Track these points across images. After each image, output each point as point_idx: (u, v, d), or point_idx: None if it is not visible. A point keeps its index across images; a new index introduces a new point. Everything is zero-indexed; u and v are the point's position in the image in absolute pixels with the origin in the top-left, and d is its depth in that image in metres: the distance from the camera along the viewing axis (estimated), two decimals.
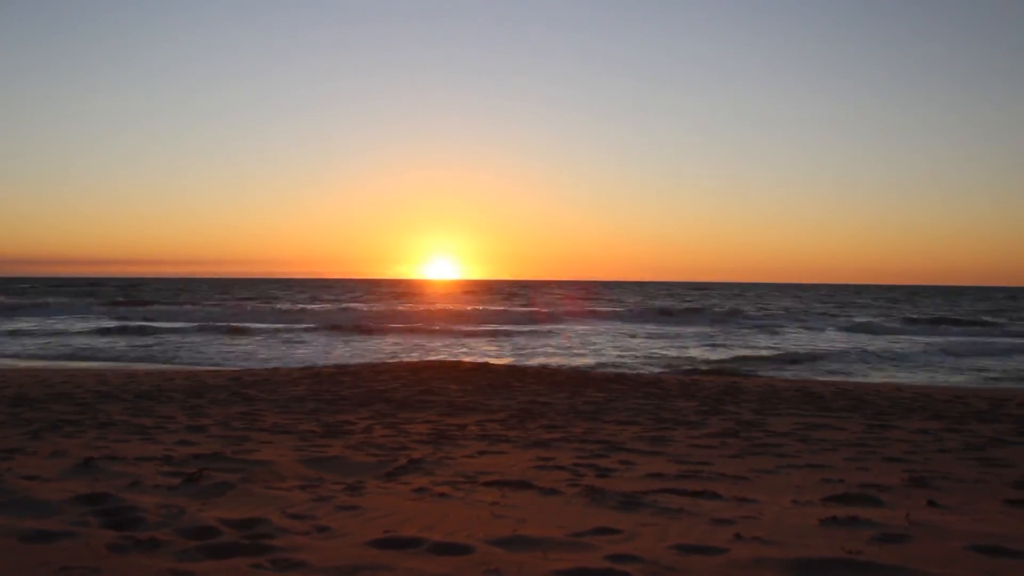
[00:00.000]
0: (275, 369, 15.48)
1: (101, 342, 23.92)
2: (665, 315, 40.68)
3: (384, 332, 28.62)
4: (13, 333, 26.26)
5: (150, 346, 22.68)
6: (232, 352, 21.32)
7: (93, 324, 31.37)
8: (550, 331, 30.23)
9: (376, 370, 14.21)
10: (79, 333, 26.97)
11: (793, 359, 21.02)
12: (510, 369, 15.09)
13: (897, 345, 25.61)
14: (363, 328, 30.05)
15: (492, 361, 18.03)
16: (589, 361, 19.81)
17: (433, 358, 18.64)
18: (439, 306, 43.28)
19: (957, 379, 16.98)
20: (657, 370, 17.56)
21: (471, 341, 25.56)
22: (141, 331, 27.44)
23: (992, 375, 17.95)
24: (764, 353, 22.85)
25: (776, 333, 31.53)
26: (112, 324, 30.87)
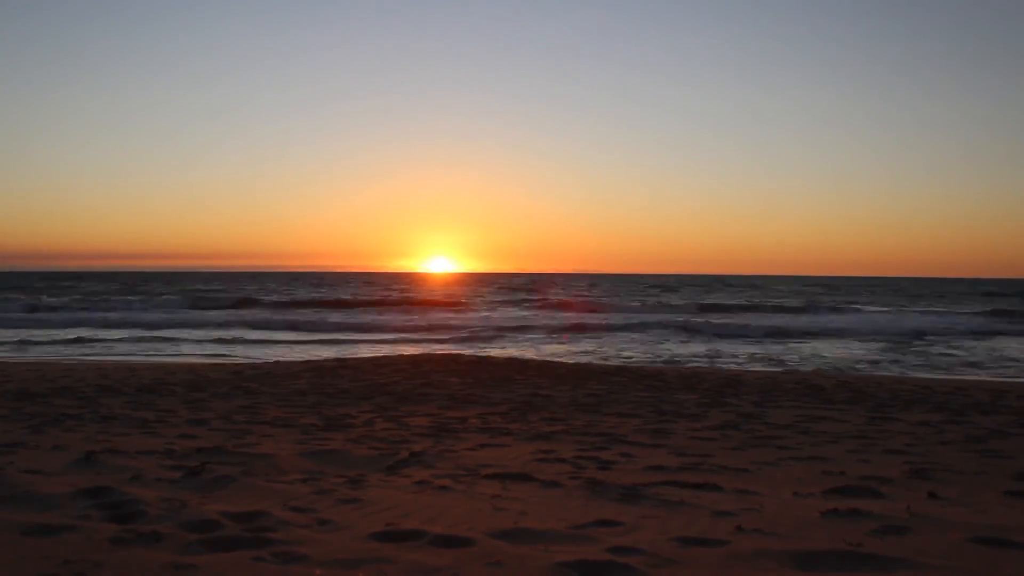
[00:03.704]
0: (276, 363, 15.49)
1: None
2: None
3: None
4: None
5: None
6: None
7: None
8: None
9: (377, 363, 14.21)
10: None
11: None
12: (511, 362, 15.09)
13: None
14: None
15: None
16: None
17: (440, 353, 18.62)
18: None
19: None
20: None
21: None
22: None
23: None
24: None
25: None
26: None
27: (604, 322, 29.81)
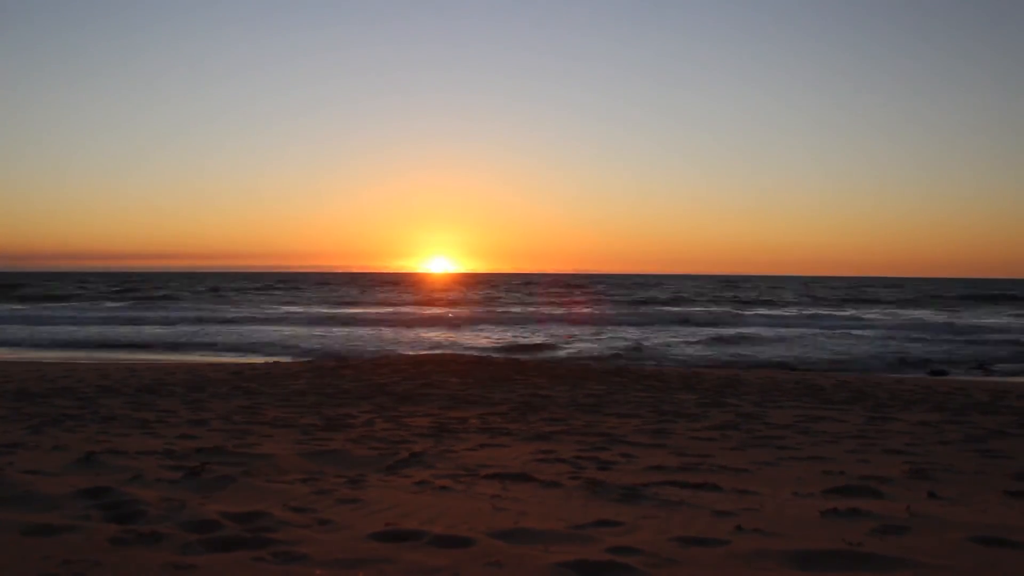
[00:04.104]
0: (276, 363, 15.49)
1: None
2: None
3: None
4: None
5: None
6: None
7: None
8: None
9: (377, 363, 14.22)
10: None
11: None
12: (511, 362, 15.10)
13: None
14: None
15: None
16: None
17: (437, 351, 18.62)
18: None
19: None
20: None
21: None
22: None
23: None
24: None
25: None
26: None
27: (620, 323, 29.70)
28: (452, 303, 44.44)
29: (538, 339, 23.68)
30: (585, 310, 39.70)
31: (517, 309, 40.31)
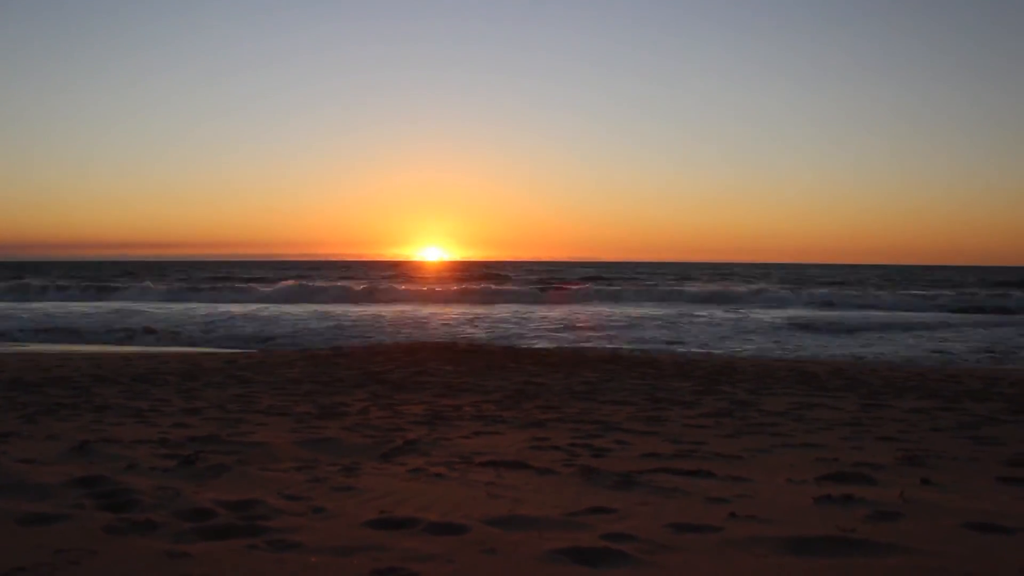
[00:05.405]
0: (270, 351, 15.47)
1: None
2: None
3: None
4: None
5: None
6: None
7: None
8: None
9: (372, 351, 14.21)
10: None
11: None
12: (505, 350, 15.11)
13: None
14: None
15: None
16: None
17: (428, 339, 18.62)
18: None
19: None
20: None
21: None
22: None
23: None
24: None
25: None
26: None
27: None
28: (447, 291, 44.44)
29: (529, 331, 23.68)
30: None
31: (511, 298, 40.30)
